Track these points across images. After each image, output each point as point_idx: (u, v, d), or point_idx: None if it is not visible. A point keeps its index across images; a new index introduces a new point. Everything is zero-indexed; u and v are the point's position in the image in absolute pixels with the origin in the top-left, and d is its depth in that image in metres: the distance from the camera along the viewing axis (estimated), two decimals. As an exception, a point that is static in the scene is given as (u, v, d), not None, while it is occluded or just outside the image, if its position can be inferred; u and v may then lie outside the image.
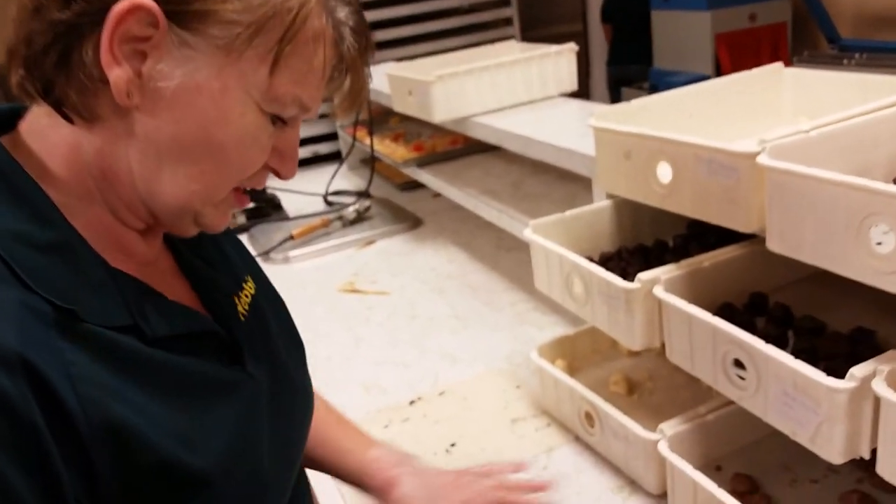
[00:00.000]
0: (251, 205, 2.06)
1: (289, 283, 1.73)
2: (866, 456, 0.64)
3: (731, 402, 0.90)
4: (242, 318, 0.65)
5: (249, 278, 0.70)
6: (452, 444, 1.09)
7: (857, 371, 0.61)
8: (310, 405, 0.72)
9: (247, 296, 0.67)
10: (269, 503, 0.61)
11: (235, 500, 0.56)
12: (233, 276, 0.68)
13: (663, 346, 0.89)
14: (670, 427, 0.89)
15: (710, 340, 0.78)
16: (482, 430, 1.11)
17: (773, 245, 0.70)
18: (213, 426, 0.55)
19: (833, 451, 0.64)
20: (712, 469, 0.92)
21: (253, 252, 1.88)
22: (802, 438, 0.67)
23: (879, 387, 0.60)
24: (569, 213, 1.09)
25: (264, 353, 0.65)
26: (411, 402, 1.21)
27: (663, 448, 0.87)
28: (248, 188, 0.60)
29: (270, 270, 1.78)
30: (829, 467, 0.86)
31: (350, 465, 0.80)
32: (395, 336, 1.43)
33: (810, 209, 0.65)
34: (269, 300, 0.73)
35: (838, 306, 0.88)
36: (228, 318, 0.63)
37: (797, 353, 0.68)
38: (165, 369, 0.53)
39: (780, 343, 0.71)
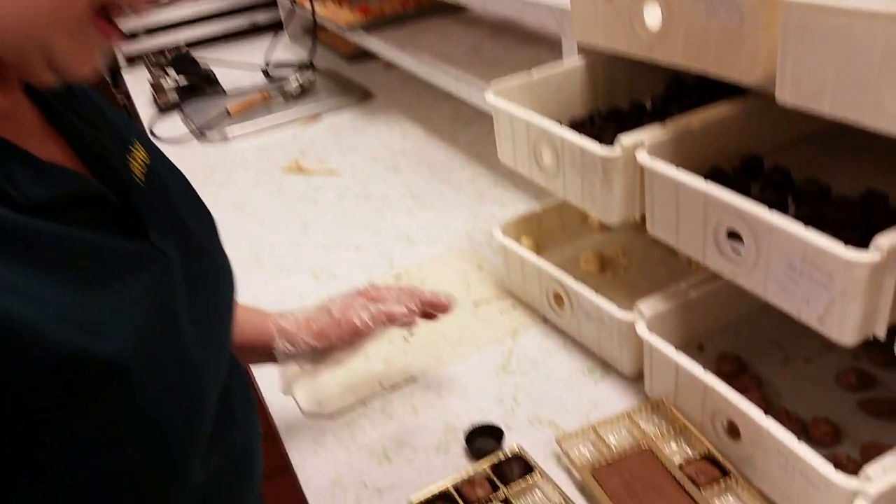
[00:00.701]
0: (185, 81, 1.89)
1: (228, 163, 1.60)
2: (882, 336, 0.57)
3: (714, 277, 0.83)
4: (139, 185, 0.54)
5: (138, 144, 0.58)
6: (410, 332, 1.00)
7: (884, 241, 0.52)
8: (231, 281, 0.65)
9: (140, 162, 0.56)
10: (201, 392, 0.53)
11: (162, 392, 0.48)
12: (117, 138, 0.56)
13: (642, 218, 0.80)
14: (649, 307, 0.81)
15: (700, 210, 0.69)
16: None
17: (785, 95, 0.59)
18: (120, 306, 0.46)
19: (845, 332, 0.57)
20: (694, 349, 0.85)
21: (185, 131, 1.73)
22: (809, 317, 0.59)
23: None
24: (535, 74, 0.96)
25: (170, 224, 0.55)
26: (366, 288, 1.12)
27: (641, 329, 0.80)
28: (111, 13, 0.46)
29: (207, 150, 1.68)
30: (824, 344, 0.80)
31: (254, 333, 0.79)
32: (347, 218, 1.33)
33: (836, 49, 0.54)
34: (168, 172, 0.61)
35: (841, 169, 0.79)
36: (122, 183, 0.52)
37: (800, 221, 0.59)
38: (48, 242, 0.43)
39: (780, 210, 0.61)
